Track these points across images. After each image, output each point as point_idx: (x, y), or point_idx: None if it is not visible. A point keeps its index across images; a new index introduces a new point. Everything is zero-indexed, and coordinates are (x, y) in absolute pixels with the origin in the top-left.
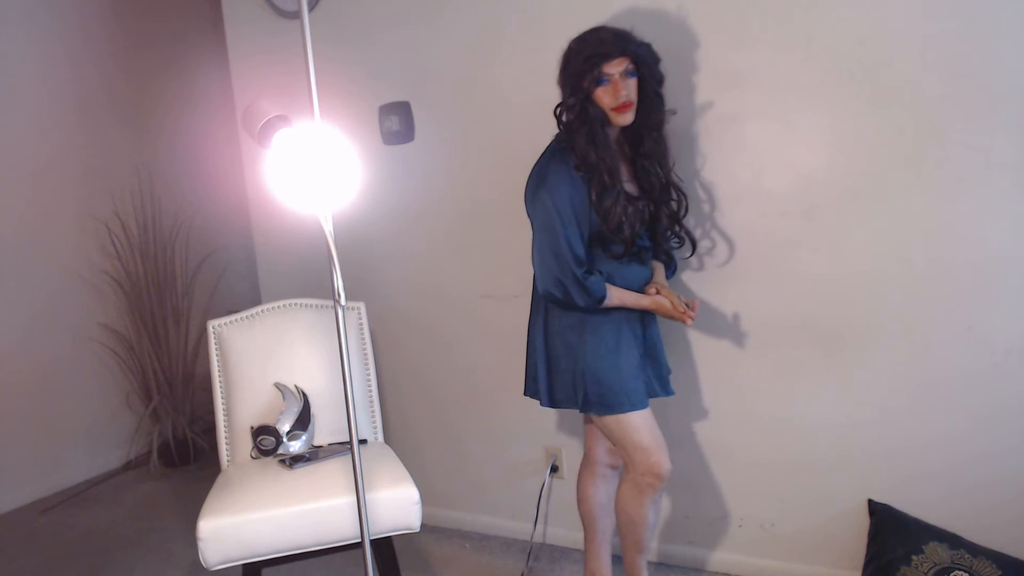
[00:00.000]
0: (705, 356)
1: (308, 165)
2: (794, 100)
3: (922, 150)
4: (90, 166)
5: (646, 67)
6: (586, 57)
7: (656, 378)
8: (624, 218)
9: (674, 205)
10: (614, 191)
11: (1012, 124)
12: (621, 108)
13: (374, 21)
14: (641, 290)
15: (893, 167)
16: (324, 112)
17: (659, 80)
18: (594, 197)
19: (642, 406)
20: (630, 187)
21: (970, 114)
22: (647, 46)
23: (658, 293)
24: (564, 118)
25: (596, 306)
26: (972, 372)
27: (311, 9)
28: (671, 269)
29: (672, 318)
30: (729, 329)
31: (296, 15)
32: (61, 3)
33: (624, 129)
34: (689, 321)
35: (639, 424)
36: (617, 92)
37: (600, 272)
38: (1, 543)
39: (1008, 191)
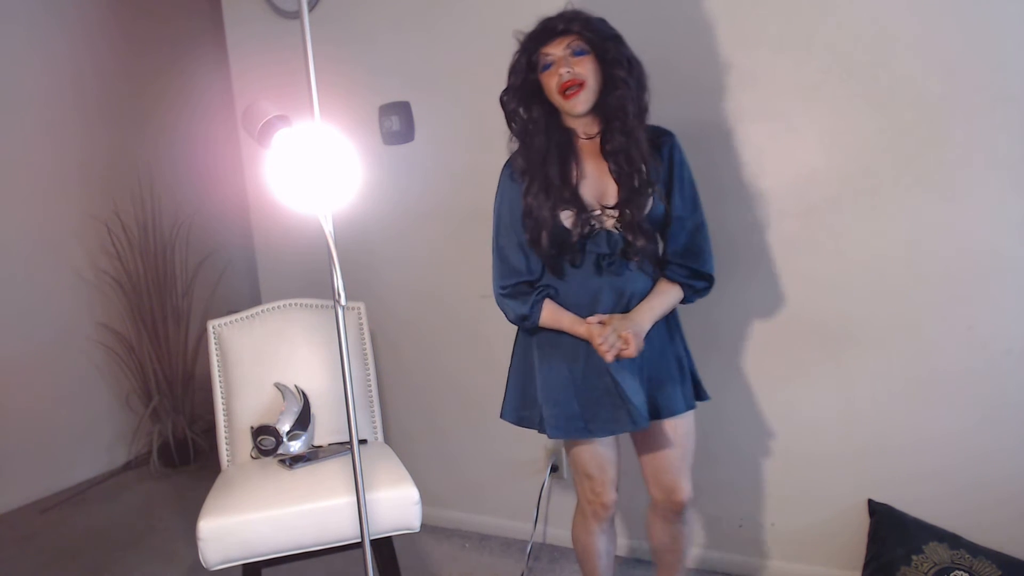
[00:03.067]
0: (704, 356)
1: (308, 165)
2: (794, 100)
3: (922, 150)
4: (90, 166)
5: (599, 44)
6: (524, 45)
7: (632, 405)
8: (543, 230)
9: (648, 208)
10: (537, 197)
11: (1012, 124)
12: (567, 89)
13: (374, 21)
14: (612, 304)
15: (893, 167)
16: (324, 112)
17: (618, 59)
18: (523, 205)
19: (586, 436)
20: (595, 192)
21: (970, 114)
22: (599, 20)
23: (601, 323)
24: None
25: (523, 325)
26: (972, 371)
27: (311, 9)
28: (688, 297)
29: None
30: (729, 329)
31: (296, 15)
32: (61, 4)
33: (602, 128)
34: (608, 357)
35: (586, 454)
36: (559, 71)
37: (545, 287)
38: (1, 543)
39: (1008, 191)
